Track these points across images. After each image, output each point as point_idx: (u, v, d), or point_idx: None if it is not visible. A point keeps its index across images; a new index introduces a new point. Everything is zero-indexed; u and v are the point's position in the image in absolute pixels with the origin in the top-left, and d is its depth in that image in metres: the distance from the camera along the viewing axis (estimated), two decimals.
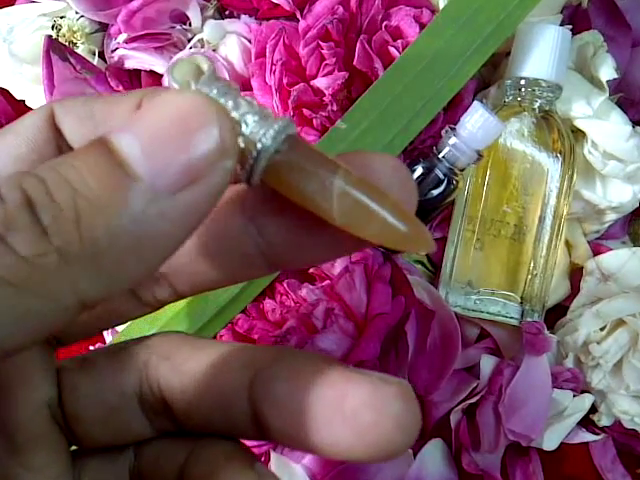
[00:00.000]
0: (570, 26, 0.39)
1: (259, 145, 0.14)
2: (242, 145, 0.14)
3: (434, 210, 0.39)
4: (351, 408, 0.14)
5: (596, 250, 0.41)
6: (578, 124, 0.39)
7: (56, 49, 0.40)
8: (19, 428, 0.17)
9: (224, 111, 0.14)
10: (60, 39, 0.41)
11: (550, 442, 0.39)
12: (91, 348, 0.39)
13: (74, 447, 0.18)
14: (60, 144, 0.17)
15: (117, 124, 0.15)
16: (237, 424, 0.16)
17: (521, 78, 0.38)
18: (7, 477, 0.16)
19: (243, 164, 0.15)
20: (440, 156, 0.37)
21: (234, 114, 0.14)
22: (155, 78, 0.42)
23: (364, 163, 0.15)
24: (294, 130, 0.15)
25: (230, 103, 0.15)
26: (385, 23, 0.38)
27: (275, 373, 0.16)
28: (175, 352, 0.17)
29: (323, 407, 0.15)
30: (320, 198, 0.14)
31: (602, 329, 0.39)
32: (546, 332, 0.39)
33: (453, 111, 0.39)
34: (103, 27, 0.43)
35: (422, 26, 0.38)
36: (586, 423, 0.41)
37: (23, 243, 0.12)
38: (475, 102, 0.36)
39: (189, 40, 0.41)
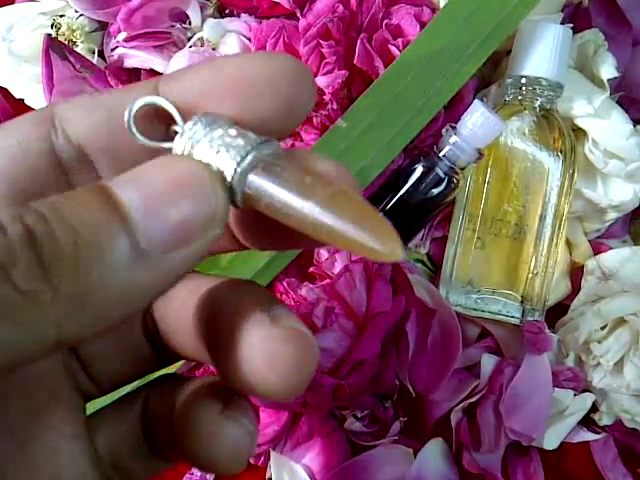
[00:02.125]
0: (571, 25, 0.39)
1: (237, 171, 0.15)
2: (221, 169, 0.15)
3: (435, 209, 0.39)
4: (241, 349, 0.16)
5: (597, 249, 0.41)
6: (579, 123, 0.39)
7: (55, 48, 0.40)
8: (37, 384, 0.17)
9: (221, 182, 0.15)
10: (59, 38, 0.41)
11: (551, 441, 0.39)
12: None
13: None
14: (54, 142, 0.17)
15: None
16: (194, 347, 0.18)
17: (522, 77, 0.38)
18: (28, 437, 0.17)
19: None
20: (441, 155, 0.37)
21: (215, 152, 0.15)
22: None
23: None
24: (272, 148, 0.16)
25: (218, 134, 0.15)
26: (385, 22, 0.38)
27: (208, 303, 0.18)
28: None
29: (223, 339, 0.16)
30: (297, 223, 0.15)
31: (603, 328, 0.39)
32: (547, 331, 0.39)
33: (454, 110, 0.39)
34: (103, 26, 0.43)
35: (422, 25, 0.38)
36: (587, 422, 0.41)
37: (23, 277, 0.12)
38: (476, 101, 0.36)
39: (189, 39, 0.41)
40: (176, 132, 0.16)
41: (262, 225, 0.17)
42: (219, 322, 0.16)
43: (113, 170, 0.17)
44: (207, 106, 0.16)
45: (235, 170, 0.15)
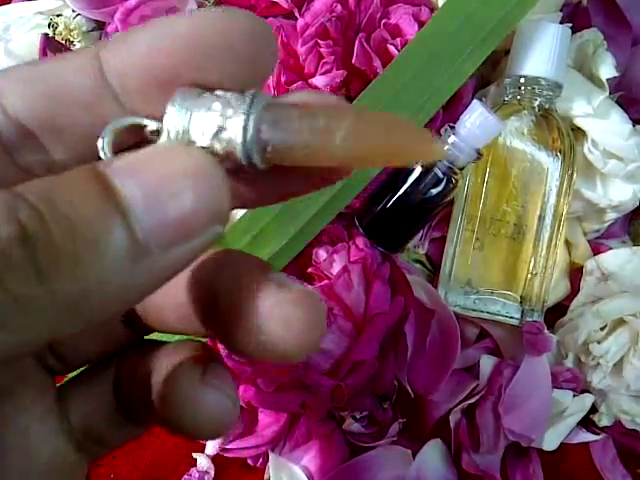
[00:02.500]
0: (570, 24, 0.39)
1: (248, 132, 0.14)
2: (226, 144, 0.14)
3: (433, 209, 0.39)
4: (252, 317, 0.15)
5: (596, 249, 0.41)
6: (578, 123, 0.39)
7: (53, 47, 0.39)
8: (1, 368, 0.17)
9: (225, 178, 0.14)
10: (57, 37, 0.41)
11: (550, 442, 0.39)
12: None
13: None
14: None
15: (71, 78, 0.15)
16: (181, 320, 0.18)
17: (521, 76, 0.38)
18: None
19: (235, 156, 0.15)
20: None
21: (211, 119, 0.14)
22: None
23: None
24: (264, 100, 0.15)
25: (202, 109, 0.14)
26: (384, 21, 0.38)
27: (203, 276, 0.17)
28: None
29: (229, 311, 0.16)
30: (328, 157, 0.14)
31: (602, 329, 0.39)
32: (546, 332, 0.38)
33: (452, 109, 0.39)
34: (100, 25, 0.43)
35: (421, 24, 0.38)
36: (586, 423, 0.40)
37: (16, 281, 0.12)
38: (474, 100, 0.36)
39: None
40: (156, 132, 0.15)
41: (258, 181, 0.16)
42: (220, 294, 0.16)
43: (63, 146, 0.16)
44: (154, 72, 0.15)
45: (245, 132, 0.14)
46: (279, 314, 0.15)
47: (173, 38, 0.15)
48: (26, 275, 0.12)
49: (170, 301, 0.18)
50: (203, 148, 0.15)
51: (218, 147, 0.14)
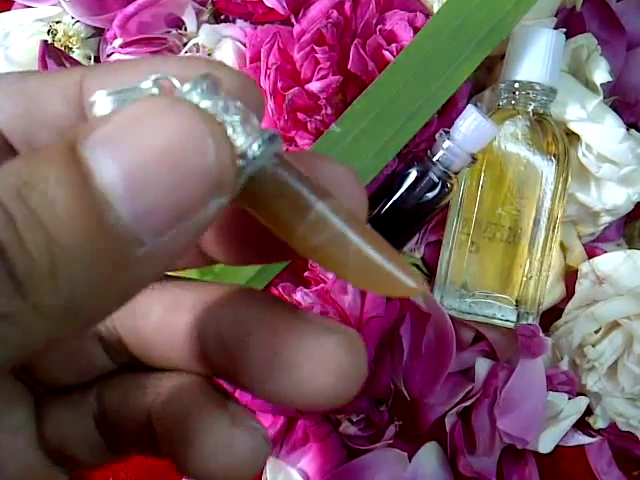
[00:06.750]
0: (564, 29, 0.39)
1: (249, 153, 0.13)
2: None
3: (429, 213, 0.39)
4: (290, 359, 0.14)
5: (591, 253, 0.41)
6: (572, 127, 0.39)
7: (52, 54, 0.40)
8: None
9: (224, 136, 0.12)
10: (56, 44, 0.41)
11: (546, 445, 0.39)
12: None
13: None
14: None
15: (52, 103, 0.14)
16: (187, 361, 0.17)
17: (515, 81, 0.38)
18: None
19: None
20: (434, 159, 0.37)
21: (223, 117, 0.13)
22: None
23: (316, 167, 0.15)
24: (280, 146, 0.14)
25: (220, 104, 0.13)
26: (379, 27, 0.38)
27: (224, 316, 0.16)
28: None
29: (265, 355, 0.15)
30: (307, 233, 0.13)
31: (597, 331, 0.39)
32: (541, 335, 0.39)
33: (447, 114, 0.39)
34: (99, 32, 0.43)
35: (416, 30, 0.38)
36: (582, 426, 0.41)
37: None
38: (469, 105, 0.36)
39: (184, 44, 0.42)
40: None
41: (239, 237, 0.16)
42: (246, 334, 0.15)
43: None
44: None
45: (254, 144, 0.13)
46: (322, 358, 0.14)
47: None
48: (6, 291, 0.11)
49: (167, 342, 0.17)
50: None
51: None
